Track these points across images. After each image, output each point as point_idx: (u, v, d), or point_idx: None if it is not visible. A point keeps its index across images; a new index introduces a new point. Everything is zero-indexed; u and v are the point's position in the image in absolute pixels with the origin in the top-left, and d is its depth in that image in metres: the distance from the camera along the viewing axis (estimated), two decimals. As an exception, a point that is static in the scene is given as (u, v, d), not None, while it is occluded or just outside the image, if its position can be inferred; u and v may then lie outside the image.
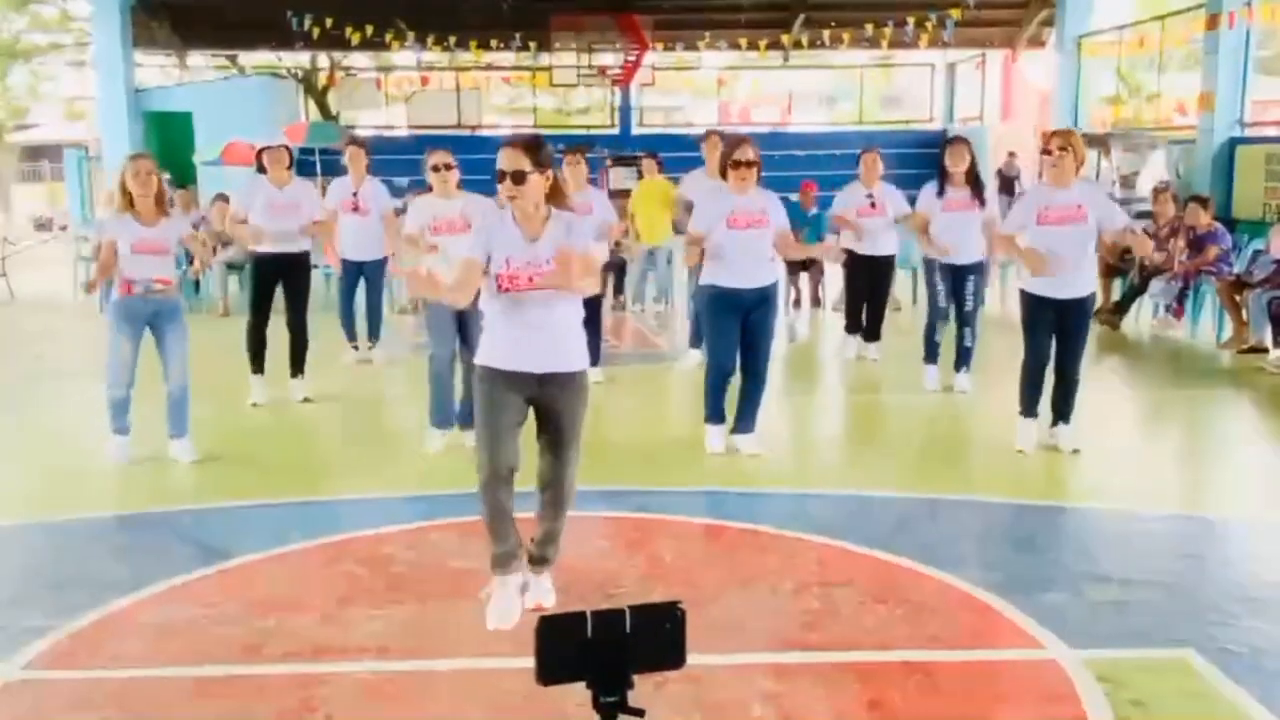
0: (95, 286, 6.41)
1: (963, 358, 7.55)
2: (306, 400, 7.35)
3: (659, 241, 10.81)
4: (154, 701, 3.42)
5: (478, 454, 3.90)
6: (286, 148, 7.44)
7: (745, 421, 6.04)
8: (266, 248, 7.18)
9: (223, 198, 11.26)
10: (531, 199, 3.81)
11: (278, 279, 7.27)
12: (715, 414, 6.06)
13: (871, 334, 8.70)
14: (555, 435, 3.93)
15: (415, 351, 6.52)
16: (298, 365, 7.42)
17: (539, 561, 4.05)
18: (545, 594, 4.03)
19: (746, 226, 5.71)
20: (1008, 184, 17.13)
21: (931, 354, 7.66)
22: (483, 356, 3.92)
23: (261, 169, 7.32)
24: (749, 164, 5.67)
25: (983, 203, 7.42)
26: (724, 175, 5.84)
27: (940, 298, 7.56)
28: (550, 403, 3.90)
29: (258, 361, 7.31)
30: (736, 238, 5.72)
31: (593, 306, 7.87)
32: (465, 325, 5.86)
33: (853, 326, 8.85)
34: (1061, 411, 6.08)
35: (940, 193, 7.45)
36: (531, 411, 3.94)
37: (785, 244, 5.94)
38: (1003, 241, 6.12)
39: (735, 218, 5.71)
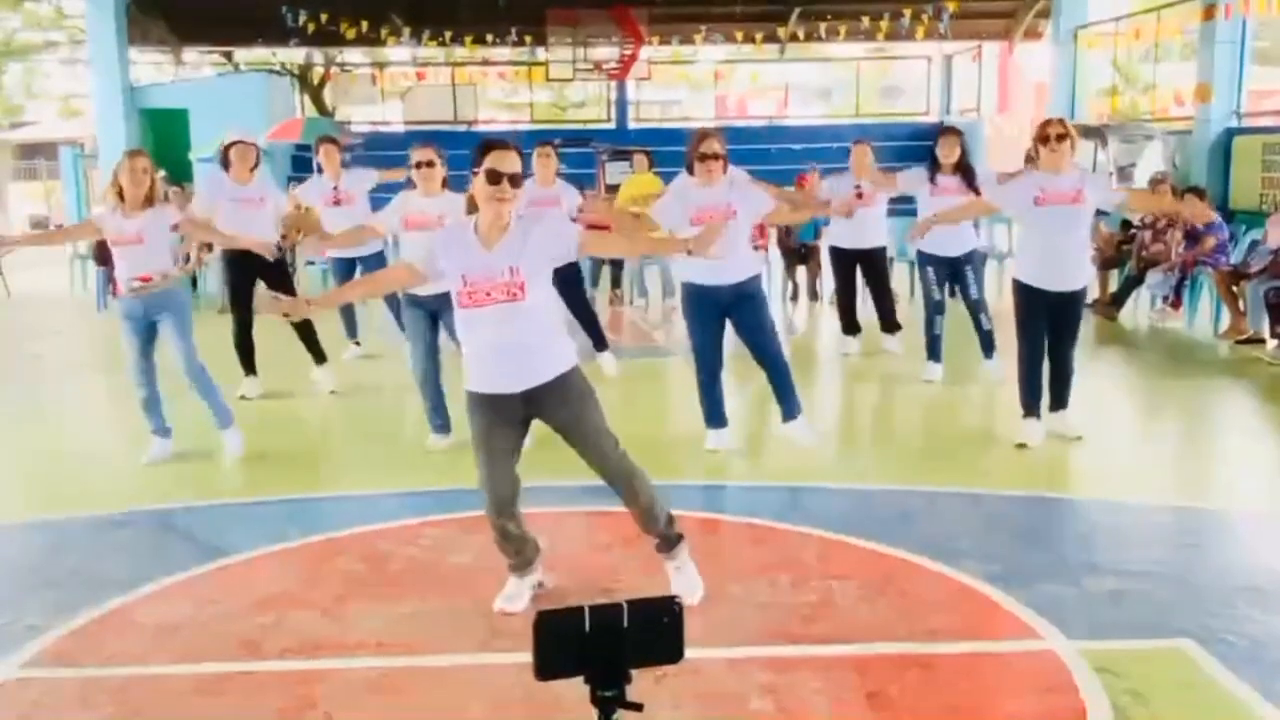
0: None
1: (985, 342, 7.55)
2: (333, 393, 7.42)
3: None
4: (153, 699, 3.42)
5: (479, 482, 3.87)
6: (255, 146, 7.42)
7: (788, 407, 5.88)
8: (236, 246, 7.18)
9: None
10: (519, 203, 3.79)
11: (252, 277, 7.27)
12: (712, 418, 5.97)
13: (888, 325, 8.60)
14: (575, 440, 3.86)
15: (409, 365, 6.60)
16: (315, 353, 7.48)
17: (662, 547, 4.00)
18: (690, 587, 3.97)
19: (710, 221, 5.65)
20: None
21: (934, 350, 7.65)
22: (467, 381, 3.85)
23: (225, 164, 7.32)
24: (714, 156, 5.59)
25: (975, 192, 7.40)
26: (690, 170, 5.72)
27: (933, 291, 7.56)
28: (547, 415, 3.83)
29: (248, 363, 7.38)
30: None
31: (574, 296, 7.83)
32: (446, 329, 5.84)
33: (848, 327, 8.74)
34: (1059, 399, 6.10)
35: (931, 179, 7.48)
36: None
37: (778, 213, 5.85)
38: (971, 205, 6.13)
39: (699, 214, 5.63)
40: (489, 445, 3.80)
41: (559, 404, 3.80)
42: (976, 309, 7.54)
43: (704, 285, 5.72)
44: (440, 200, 5.92)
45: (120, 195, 5.72)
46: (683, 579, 4.01)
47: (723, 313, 5.76)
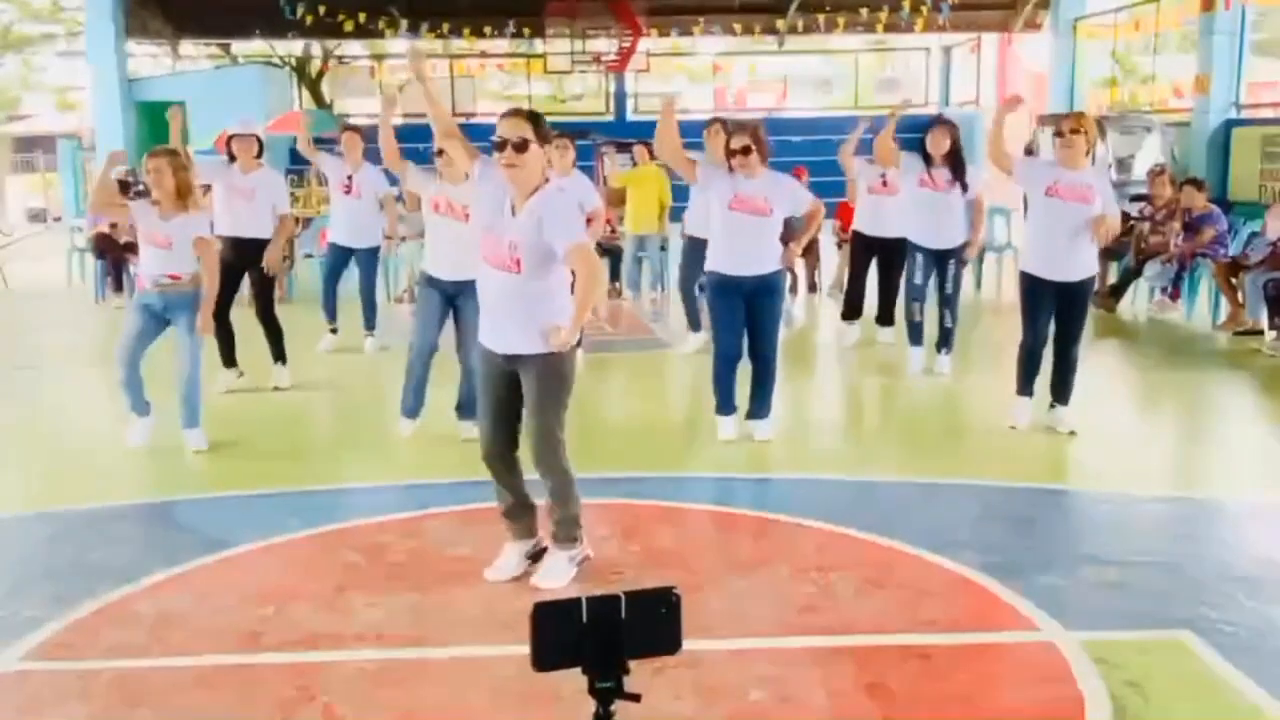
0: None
1: (944, 339, 7.53)
2: (277, 389, 7.30)
3: (651, 229, 10.80)
4: (152, 691, 3.42)
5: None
6: (256, 136, 7.42)
7: (759, 407, 5.99)
8: (227, 231, 7.10)
9: (204, 187, 11.22)
10: (531, 170, 3.79)
11: (240, 265, 7.14)
12: (724, 405, 6.00)
13: (886, 318, 8.59)
14: (526, 413, 4.00)
15: (410, 339, 6.56)
16: (278, 353, 7.39)
17: (551, 538, 4.13)
18: (544, 574, 4.07)
19: (748, 212, 5.70)
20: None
21: (915, 335, 7.62)
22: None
23: (232, 156, 7.33)
24: (744, 150, 5.64)
25: (964, 186, 7.36)
26: (730, 169, 5.78)
27: (916, 276, 7.53)
28: (523, 379, 3.96)
29: (228, 355, 7.22)
30: (735, 222, 5.71)
31: None
32: (461, 318, 5.81)
33: (850, 314, 8.69)
34: (1060, 393, 6.09)
35: (926, 172, 7.40)
36: None
37: (811, 223, 5.94)
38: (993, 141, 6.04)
39: (737, 201, 5.69)
40: (485, 394, 4.05)
41: (528, 373, 3.93)
42: (946, 304, 7.48)
43: (730, 275, 5.78)
44: (464, 187, 5.82)
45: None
46: (551, 564, 4.10)
47: (746, 302, 5.81)
